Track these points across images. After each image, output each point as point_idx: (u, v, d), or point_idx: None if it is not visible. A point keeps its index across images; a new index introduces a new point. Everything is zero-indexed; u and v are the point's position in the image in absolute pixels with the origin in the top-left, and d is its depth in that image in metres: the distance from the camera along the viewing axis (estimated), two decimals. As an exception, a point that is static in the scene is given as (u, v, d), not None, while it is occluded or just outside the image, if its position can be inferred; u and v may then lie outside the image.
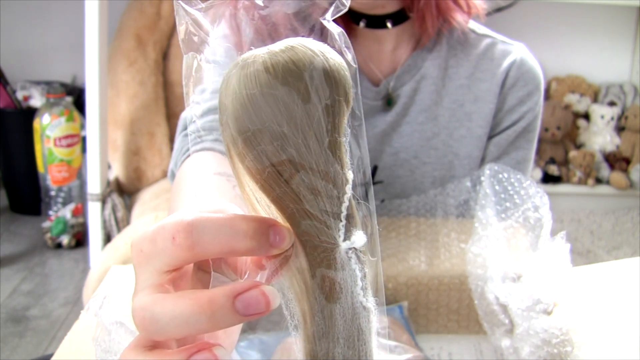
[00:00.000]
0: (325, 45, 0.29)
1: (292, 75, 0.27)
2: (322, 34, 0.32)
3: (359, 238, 0.30)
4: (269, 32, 0.33)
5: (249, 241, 0.28)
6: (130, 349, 0.29)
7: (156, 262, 0.29)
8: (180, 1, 0.32)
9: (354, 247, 0.30)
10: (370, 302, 0.30)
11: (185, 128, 0.74)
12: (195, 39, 0.33)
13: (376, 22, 0.78)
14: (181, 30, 0.32)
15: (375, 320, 0.31)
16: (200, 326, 0.27)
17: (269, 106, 0.27)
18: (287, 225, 0.29)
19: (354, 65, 0.31)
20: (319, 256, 0.29)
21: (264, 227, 0.28)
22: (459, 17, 0.79)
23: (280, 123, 0.27)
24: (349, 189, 0.29)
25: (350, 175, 0.30)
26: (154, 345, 0.29)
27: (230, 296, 0.27)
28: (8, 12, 2.29)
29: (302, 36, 0.30)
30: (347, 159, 0.30)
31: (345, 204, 0.29)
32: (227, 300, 0.27)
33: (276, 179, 0.28)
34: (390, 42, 0.81)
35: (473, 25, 0.85)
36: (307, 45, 0.28)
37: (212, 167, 0.61)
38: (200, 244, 0.28)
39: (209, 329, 0.27)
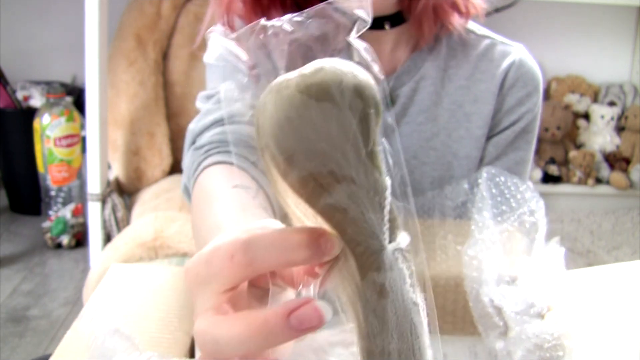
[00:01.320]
0: (352, 63, 0.31)
1: (325, 95, 0.29)
2: (349, 50, 0.34)
3: (403, 238, 0.32)
4: (300, 56, 0.35)
5: (303, 251, 0.30)
6: None
7: (215, 283, 0.31)
8: (215, 32, 0.34)
9: (400, 248, 0.31)
10: (419, 297, 0.32)
11: (194, 142, 0.74)
12: (229, 66, 0.35)
13: (374, 23, 0.78)
14: (214, 57, 0.34)
15: (425, 315, 0.32)
16: (257, 346, 0.29)
17: (307, 126, 0.29)
18: (334, 232, 0.31)
19: (381, 77, 0.33)
20: (368, 259, 0.31)
21: (315, 236, 0.30)
22: (455, 22, 0.79)
23: (318, 141, 0.29)
24: (388, 194, 0.31)
25: (388, 181, 0.31)
26: None
27: (284, 315, 0.29)
28: (8, 12, 2.29)
29: (331, 56, 0.32)
30: (383, 167, 0.32)
31: (387, 209, 0.31)
32: (281, 319, 0.29)
33: (320, 191, 0.30)
34: (389, 43, 0.81)
35: (472, 26, 0.85)
36: (336, 65, 0.30)
37: (229, 182, 0.62)
38: (258, 259, 0.30)
39: (267, 347, 0.29)
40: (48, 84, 2.18)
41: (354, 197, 0.30)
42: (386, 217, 0.31)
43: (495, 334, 0.51)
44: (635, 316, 0.51)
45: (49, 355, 0.56)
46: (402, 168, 0.34)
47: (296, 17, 0.35)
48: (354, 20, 0.34)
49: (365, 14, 0.34)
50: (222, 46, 0.34)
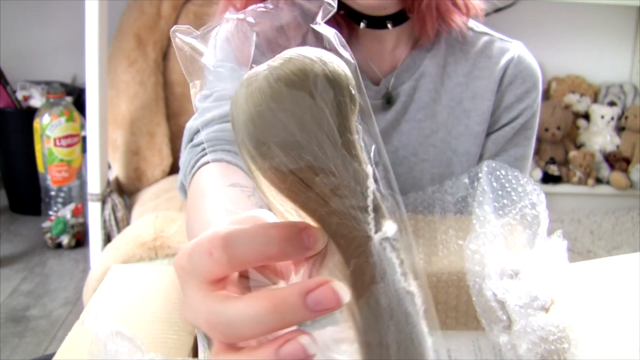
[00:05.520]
0: (322, 50, 0.30)
1: (294, 86, 0.28)
2: (317, 38, 0.33)
3: (389, 227, 0.31)
4: (267, 45, 0.34)
5: (283, 246, 0.29)
6: (218, 354, 0.30)
7: (198, 276, 0.30)
8: (177, 33, 0.33)
9: (387, 237, 0.30)
10: (412, 285, 0.31)
11: (191, 139, 0.74)
12: (196, 66, 0.34)
13: (377, 22, 0.78)
14: (182, 59, 0.33)
15: (420, 303, 0.31)
16: (273, 325, 0.28)
17: (278, 119, 0.28)
18: (318, 226, 0.30)
19: (353, 62, 0.32)
20: (355, 251, 0.30)
21: (296, 231, 0.29)
22: (457, 19, 0.79)
23: (292, 133, 0.28)
24: (370, 183, 0.30)
25: (369, 169, 0.31)
26: (236, 347, 0.30)
27: (301, 294, 0.28)
28: (8, 12, 2.29)
29: (299, 45, 0.31)
30: (363, 155, 0.31)
31: (370, 198, 0.30)
32: (298, 297, 0.28)
33: (299, 186, 0.29)
34: (390, 41, 0.81)
35: (471, 23, 0.85)
36: (304, 54, 0.29)
37: (225, 180, 0.61)
38: (236, 255, 0.29)
39: (281, 327, 0.28)
40: (48, 84, 2.18)
41: (334, 189, 0.29)
42: (370, 207, 0.30)
43: (499, 328, 0.51)
44: (636, 308, 0.51)
45: (49, 355, 0.56)
46: (385, 157, 0.33)
47: (260, 7, 0.33)
48: (320, 5, 0.33)
49: None
50: (186, 44, 0.33)
